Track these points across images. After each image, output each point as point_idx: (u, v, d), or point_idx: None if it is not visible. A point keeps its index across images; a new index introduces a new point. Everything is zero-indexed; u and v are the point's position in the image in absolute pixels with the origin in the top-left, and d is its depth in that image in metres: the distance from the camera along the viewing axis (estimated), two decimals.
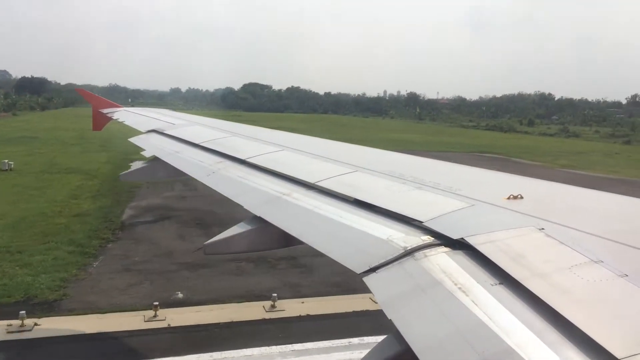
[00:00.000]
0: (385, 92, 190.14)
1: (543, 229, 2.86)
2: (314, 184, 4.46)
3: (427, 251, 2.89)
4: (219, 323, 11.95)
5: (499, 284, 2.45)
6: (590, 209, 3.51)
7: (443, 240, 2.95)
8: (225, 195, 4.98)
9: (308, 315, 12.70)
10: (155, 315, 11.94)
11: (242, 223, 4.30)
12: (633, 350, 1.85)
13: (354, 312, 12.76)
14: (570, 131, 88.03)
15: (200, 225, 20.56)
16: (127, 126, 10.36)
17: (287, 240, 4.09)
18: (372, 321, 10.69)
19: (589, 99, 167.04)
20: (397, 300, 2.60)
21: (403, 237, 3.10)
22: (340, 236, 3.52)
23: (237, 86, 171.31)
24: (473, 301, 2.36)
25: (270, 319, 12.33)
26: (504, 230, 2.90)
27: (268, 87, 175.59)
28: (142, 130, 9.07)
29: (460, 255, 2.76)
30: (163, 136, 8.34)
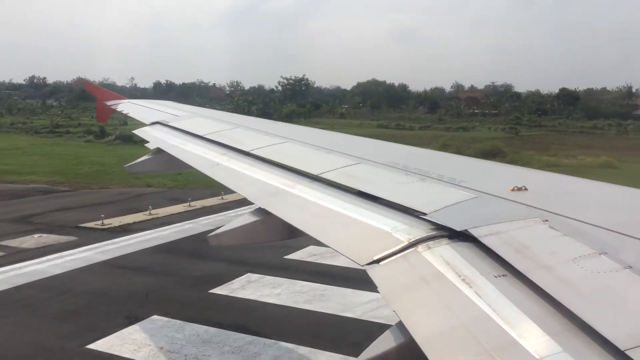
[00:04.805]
0: None
1: (547, 220, 2.85)
2: (317, 175, 4.46)
3: (430, 243, 2.88)
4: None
5: (503, 275, 2.45)
6: (595, 201, 3.49)
7: (447, 232, 2.94)
8: (229, 187, 4.98)
9: None
10: None
11: (246, 215, 4.31)
12: (636, 341, 1.84)
13: None
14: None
15: None
16: (132, 118, 10.34)
17: (290, 231, 4.09)
18: None
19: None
20: (400, 292, 2.60)
21: (406, 229, 3.10)
22: (343, 228, 3.52)
23: None
24: (477, 293, 2.36)
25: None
26: (508, 222, 2.89)
27: None
28: (146, 122, 9.05)
29: (463, 247, 2.75)
30: (167, 128, 8.32)
